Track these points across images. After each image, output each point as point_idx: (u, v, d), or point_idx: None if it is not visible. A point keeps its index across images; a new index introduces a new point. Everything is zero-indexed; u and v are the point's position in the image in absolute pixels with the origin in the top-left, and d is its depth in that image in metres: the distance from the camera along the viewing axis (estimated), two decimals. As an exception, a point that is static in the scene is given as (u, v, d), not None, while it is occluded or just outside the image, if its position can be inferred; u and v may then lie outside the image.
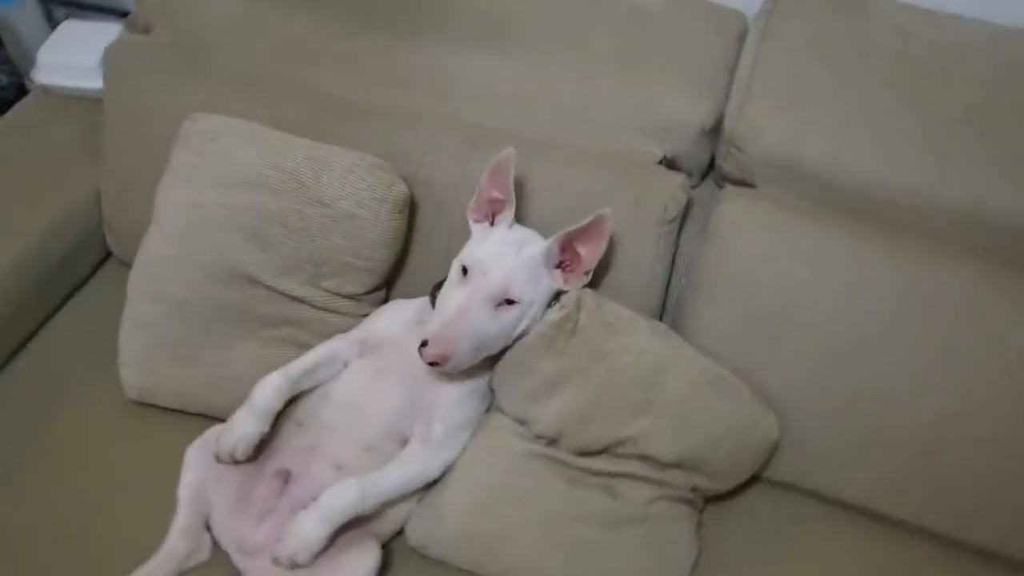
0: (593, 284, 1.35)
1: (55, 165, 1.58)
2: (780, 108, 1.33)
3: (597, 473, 1.31)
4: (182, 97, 1.47)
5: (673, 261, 1.41)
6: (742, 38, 1.46)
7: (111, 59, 1.52)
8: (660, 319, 1.43)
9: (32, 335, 1.53)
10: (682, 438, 1.28)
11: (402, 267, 1.46)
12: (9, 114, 1.66)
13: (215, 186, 1.38)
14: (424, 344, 1.22)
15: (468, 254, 1.30)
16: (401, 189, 1.37)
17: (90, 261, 1.58)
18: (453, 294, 1.27)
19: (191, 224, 1.40)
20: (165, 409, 1.44)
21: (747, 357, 1.35)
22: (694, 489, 1.34)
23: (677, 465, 1.30)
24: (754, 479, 1.44)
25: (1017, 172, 1.29)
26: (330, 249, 1.37)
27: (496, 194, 1.32)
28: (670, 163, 1.40)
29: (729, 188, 1.40)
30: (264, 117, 1.43)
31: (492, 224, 1.33)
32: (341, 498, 1.24)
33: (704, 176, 1.46)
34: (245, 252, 1.37)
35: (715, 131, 1.41)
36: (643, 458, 1.30)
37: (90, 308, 1.55)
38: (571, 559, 1.28)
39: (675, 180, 1.34)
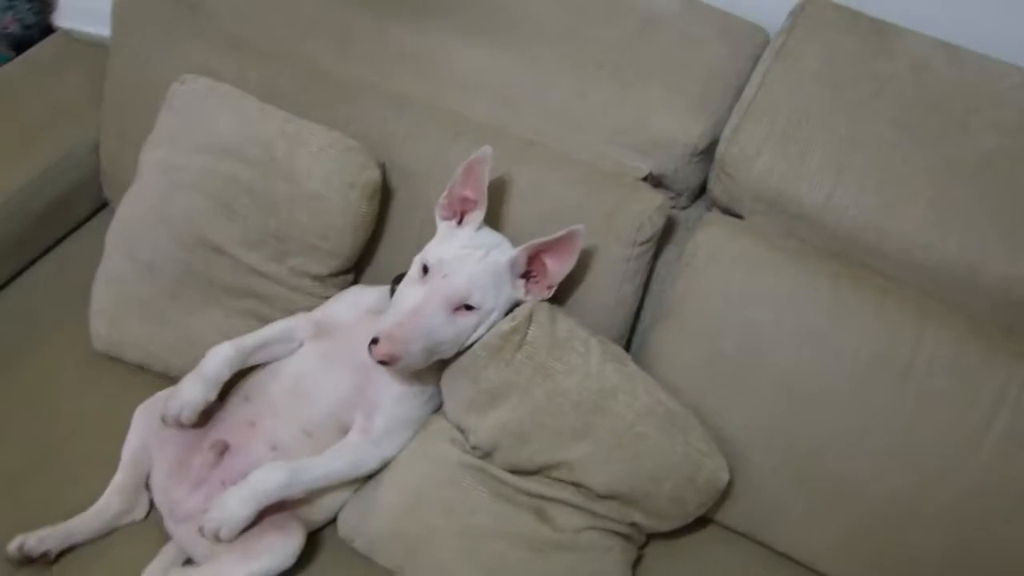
0: (559, 298, 1.31)
1: (62, 108, 1.61)
2: (776, 137, 1.26)
3: (528, 494, 1.27)
4: (181, 55, 1.47)
5: (647, 284, 1.35)
6: (758, 56, 1.38)
7: (120, 9, 1.53)
8: (628, 343, 1.38)
9: (19, 273, 1.57)
10: (620, 470, 1.23)
11: (373, 253, 1.44)
12: (27, 53, 1.70)
13: (192, 150, 1.38)
14: (375, 341, 1.19)
15: (431, 252, 1.27)
16: (372, 175, 1.35)
17: (86, 207, 1.61)
18: (410, 293, 1.24)
19: (166, 186, 1.40)
20: (129, 364, 1.46)
21: (707, 395, 1.29)
22: (633, 524, 1.29)
23: (612, 497, 1.25)
24: (706, 522, 1.39)
25: (1026, 238, 1.19)
26: (295, 227, 1.36)
27: (468, 193, 1.29)
28: (656, 181, 1.34)
29: (711, 215, 1.34)
30: (255, 85, 1.42)
31: (460, 223, 1.29)
32: (268, 480, 1.23)
33: (696, 198, 1.39)
34: (214, 220, 1.38)
35: (709, 152, 1.33)
36: (577, 485, 1.26)
37: (78, 254, 1.57)
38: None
39: (654, 200, 1.28)
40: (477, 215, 1.28)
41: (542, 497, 1.27)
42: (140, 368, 1.46)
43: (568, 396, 1.22)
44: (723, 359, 1.28)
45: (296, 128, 1.36)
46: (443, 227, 1.30)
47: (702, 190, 1.40)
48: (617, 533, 1.29)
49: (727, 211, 1.34)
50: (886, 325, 1.22)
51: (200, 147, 1.38)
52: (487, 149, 1.26)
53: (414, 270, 1.27)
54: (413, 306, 1.21)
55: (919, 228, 1.21)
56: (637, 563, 1.35)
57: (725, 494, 1.32)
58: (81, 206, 1.57)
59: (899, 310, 1.22)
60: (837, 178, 1.23)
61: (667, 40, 1.39)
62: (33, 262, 1.59)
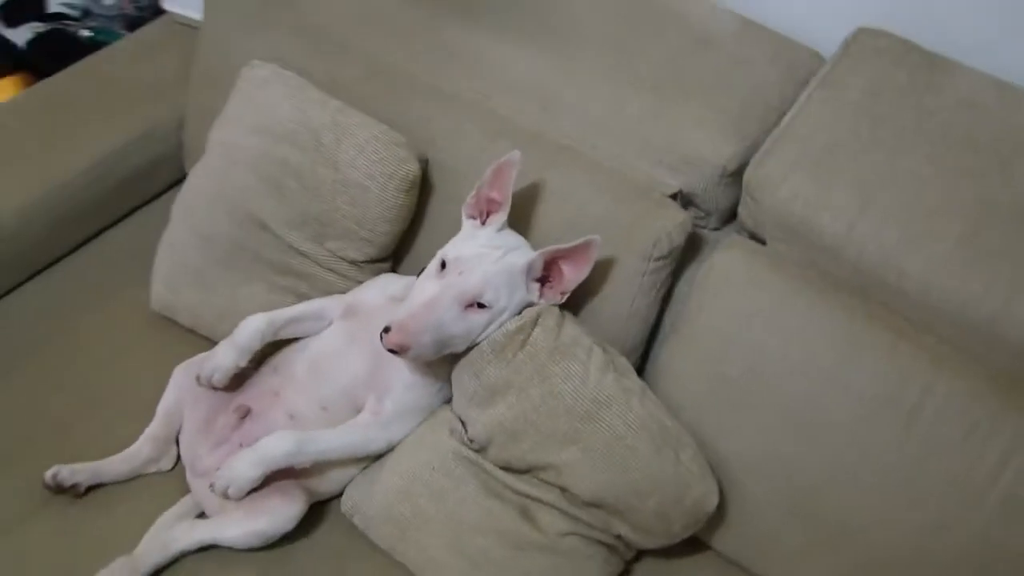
0: (574, 305, 1.34)
1: (156, 85, 1.76)
2: (805, 164, 1.25)
3: (516, 492, 1.31)
4: (259, 42, 1.58)
5: (667, 301, 1.36)
6: (807, 82, 1.36)
7: (212, -4, 1.66)
8: (644, 357, 1.38)
9: (98, 233, 1.72)
10: (605, 480, 1.25)
11: (410, 245, 1.50)
12: (135, 33, 1.87)
13: (251, 131, 1.49)
14: (387, 330, 1.25)
15: (451, 249, 1.32)
16: (411, 169, 1.41)
17: (166, 179, 1.74)
18: (426, 286, 1.29)
19: (226, 163, 1.52)
20: (180, 327, 1.58)
21: (708, 417, 1.30)
22: (619, 537, 1.30)
23: (597, 505, 1.27)
24: (703, 547, 1.38)
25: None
26: (336, 212, 1.44)
27: (494, 195, 1.34)
28: (687, 199, 1.35)
29: (733, 238, 1.33)
30: (319, 75, 1.51)
31: (484, 223, 1.34)
32: (277, 447, 1.31)
33: (728, 222, 1.39)
34: (263, 199, 1.47)
35: (740, 175, 1.33)
36: (563, 490, 1.28)
37: (154, 222, 1.68)
38: (472, 569, 1.29)
39: (676, 217, 1.29)
40: (500, 216, 1.32)
41: (529, 497, 1.30)
42: (190, 331, 1.57)
43: (562, 400, 1.25)
44: (727, 382, 1.28)
45: (346, 119, 1.44)
46: (467, 225, 1.35)
47: (734, 214, 1.40)
48: (601, 543, 1.30)
49: (752, 236, 1.33)
50: (897, 367, 1.19)
51: (258, 129, 1.48)
52: (516, 153, 1.30)
53: (433, 265, 1.32)
54: (427, 299, 1.26)
55: (941, 269, 1.17)
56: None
57: (719, 520, 1.32)
58: (161, 178, 1.70)
59: (912, 354, 1.19)
60: (862, 210, 1.21)
61: (716, 60, 1.39)
62: (113, 224, 1.74)
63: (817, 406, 1.23)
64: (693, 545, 1.39)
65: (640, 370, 1.37)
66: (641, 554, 1.39)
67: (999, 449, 1.14)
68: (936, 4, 1.34)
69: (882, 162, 1.23)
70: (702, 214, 1.38)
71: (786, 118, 1.31)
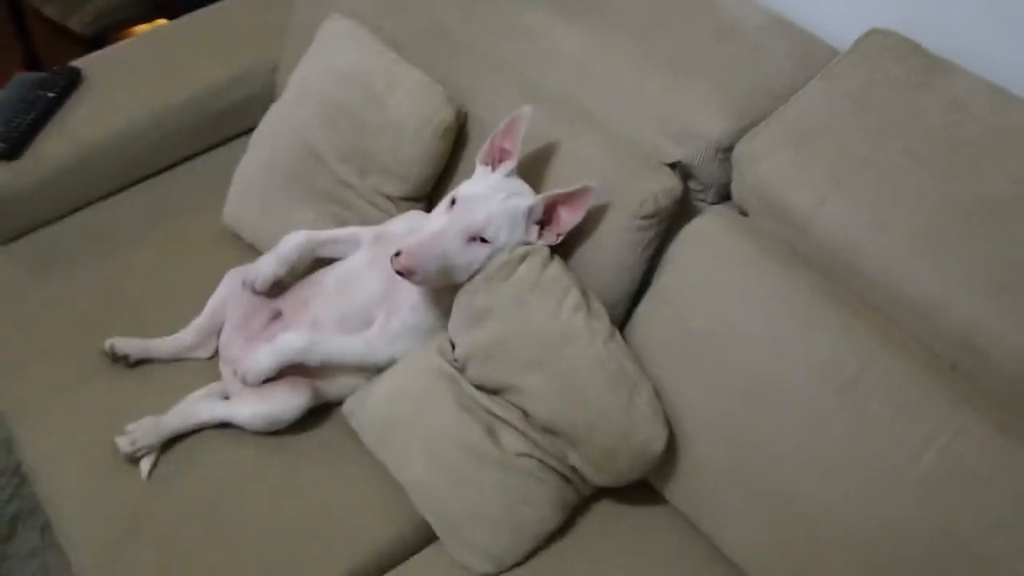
0: (566, 253, 1.47)
1: (260, 33, 2.01)
2: (785, 143, 1.34)
3: (486, 410, 1.44)
4: (346, 2, 1.79)
5: (655, 262, 1.47)
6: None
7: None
8: (629, 312, 1.49)
9: (194, 156, 1.99)
10: (559, 408, 1.37)
11: (445, 190, 1.66)
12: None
13: (319, 74, 1.71)
14: (397, 254, 1.42)
15: (462, 188, 1.48)
16: (445, 116, 1.59)
17: (256, 116, 1.93)
18: (436, 219, 1.46)
19: (296, 99, 1.74)
20: (243, 241, 1.81)
21: (670, 371, 1.40)
22: (574, 469, 1.42)
23: (552, 432, 1.39)
24: (660, 500, 1.48)
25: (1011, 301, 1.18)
26: (377, 149, 1.64)
27: (506, 144, 1.49)
28: (686, 171, 1.46)
29: (716, 207, 1.43)
30: (386, 33, 1.72)
31: (494, 170, 1.49)
32: (291, 342, 1.51)
33: (727, 198, 1.48)
34: (319, 131, 1.69)
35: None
36: (525, 413, 1.41)
37: (240, 152, 1.88)
38: (436, 471, 1.44)
39: (666, 182, 1.40)
40: (509, 164, 1.47)
41: (495, 416, 1.44)
42: (250, 246, 1.79)
43: (533, 329, 1.38)
44: (689, 340, 1.38)
45: (398, 69, 1.64)
46: (479, 170, 1.51)
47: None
48: (555, 470, 1.42)
49: (741, 210, 1.42)
50: (842, 341, 1.26)
51: (325, 72, 1.70)
52: (527, 108, 1.45)
53: (444, 202, 1.48)
54: (435, 231, 1.43)
55: (896, 255, 1.24)
56: (580, 513, 1.48)
57: (672, 470, 1.42)
58: (254, 114, 1.91)
59: (859, 331, 1.25)
60: (832, 192, 1.28)
61: (735, 47, 1.50)
62: (208, 150, 2.00)
63: (764, 371, 1.31)
64: (651, 496, 1.49)
65: (623, 324, 1.48)
66: (600, 496, 1.50)
67: (924, 430, 1.19)
68: (948, 11, 1.40)
69: (861, 150, 1.30)
70: (700, 187, 1.48)
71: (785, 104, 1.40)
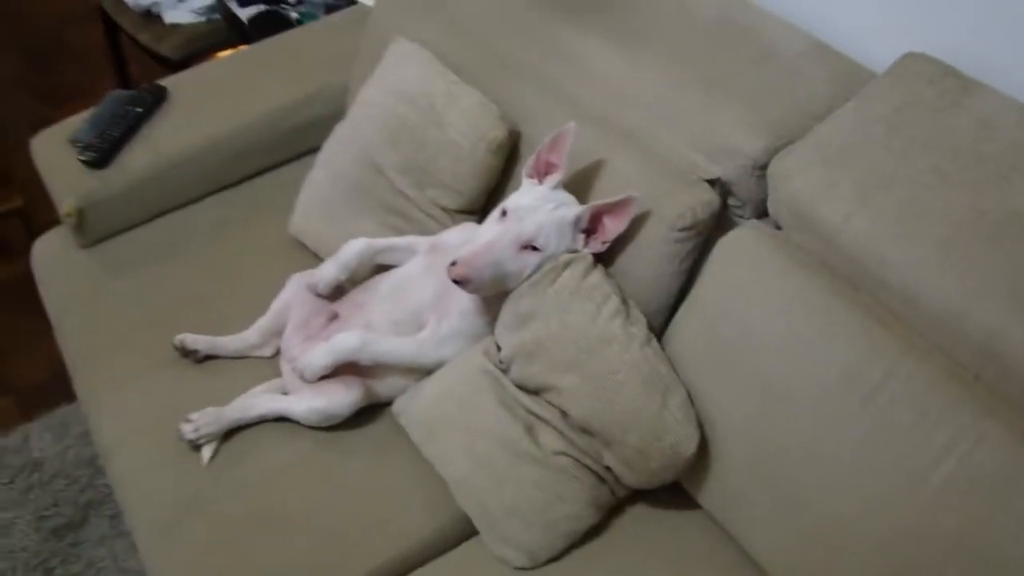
0: (608, 263, 1.55)
1: (334, 57, 2.15)
2: (816, 161, 1.40)
3: (526, 409, 1.52)
4: (410, 27, 1.92)
5: (694, 275, 1.53)
6: (855, 97, 1.51)
7: (383, -15, 2.03)
8: (667, 322, 1.56)
9: (272, 168, 2.14)
10: (594, 408, 1.44)
11: (496, 204, 1.74)
12: (330, 16, 2.28)
13: (385, 93, 1.83)
14: (454, 263, 1.52)
15: (511, 200, 1.58)
16: (499, 134, 1.69)
17: (326, 134, 2.07)
18: (489, 229, 1.56)
19: (362, 116, 1.87)
20: (308, 250, 1.93)
21: (703, 376, 1.46)
22: (608, 469, 1.49)
23: (588, 432, 1.46)
24: (694, 505, 1.53)
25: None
26: (436, 164, 1.74)
27: (552, 159, 1.58)
28: (725, 189, 1.52)
29: (751, 221, 1.49)
30: (448, 56, 1.83)
31: (541, 183, 1.58)
32: (346, 342, 1.62)
33: (764, 215, 1.54)
34: (381, 145, 1.80)
35: (771, 169, 1.50)
36: (563, 413, 1.48)
37: (310, 168, 2.06)
38: (476, 467, 1.52)
39: (704, 196, 1.48)
40: (556, 177, 1.57)
41: (534, 415, 1.52)
42: (314, 254, 1.91)
43: (573, 332, 1.46)
44: (719, 345, 1.44)
45: (457, 89, 1.75)
46: (526, 183, 1.60)
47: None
48: (590, 469, 1.49)
49: (775, 224, 1.49)
50: (866, 349, 1.30)
51: (390, 91, 1.82)
52: (572, 124, 1.54)
53: (495, 213, 1.58)
54: (488, 240, 1.52)
55: (921, 266, 1.28)
56: (615, 514, 1.54)
57: (704, 474, 1.47)
58: (325, 132, 2.03)
59: (883, 339, 1.30)
60: (859, 206, 1.34)
61: (774, 71, 1.57)
62: (281, 164, 2.14)
63: (789, 376, 1.36)
64: (684, 500, 1.54)
65: (661, 334, 1.54)
66: (634, 499, 1.56)
67: (946, 437, 1.23)
68: (982, 35, 1.46)
69: (888, 166, 1.35)
70: (738, 203, 1.54)
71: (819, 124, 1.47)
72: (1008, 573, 1.17)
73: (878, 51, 1.55)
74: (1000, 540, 1.18)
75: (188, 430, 1.62)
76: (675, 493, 1.54)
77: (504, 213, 1.55)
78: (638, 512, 1.56)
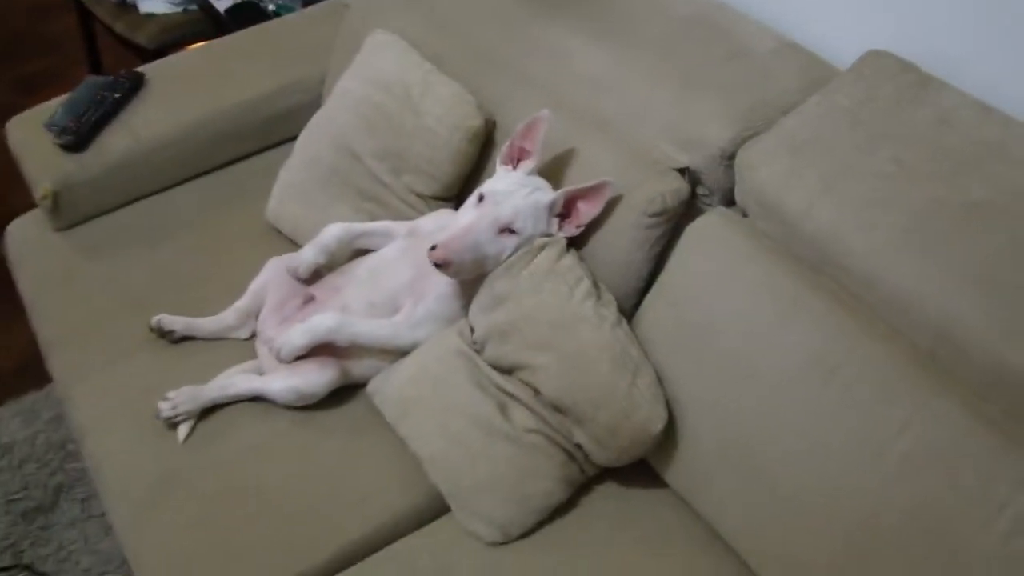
0: (580, 247, 1.60)
1: (310, 48, 2.19)
2: (782, 151, 1.46)
3: (499, 388, 1.57)
4: (388, 19, 1.98)
5: (662, 261, 1.59)
6: (819, 92, 1.58)
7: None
8: (636, 307, 1.62)
9: (246, 157, 2.17)
10: (566, 386, 1.50)
11: (471, 191, 1.80)
12: (307, 8, 2.33)
13: (362, 81, 1.88)
14: (433, 248, 1.56)
15: (487, 185, 1.63)
16: (474, 123, 1.74)
17: (303, 124, 2.11)
18: (466, 214, 1.61)
19: (338, 103, 1.91)
20: (283, 236, 1.96)
21: (671, 357, 1.52)
22: (579, 447, 1.54)
23: (559, 410, 1.52)
24: (662, 484, 1.59)
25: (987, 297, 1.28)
26: (412, 150, 1.79)
27: (526, 145, 1.63)
28: (694, 177, 1.58)
29: (720, 208, 1.56)
30: (426, 47, 1.88)
31: (515, 169, 1.64)
32: (322, 322, 1.65)
33: (732, 203, 1.60)
34: (358, 132, 1.85)
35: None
36: (535, 392, 1.54)
37: (287, 156, 2.07)
38: (449, 445, 1.56)
39: (673, 183, 1.54)
40: (530, 163, 1.62)
41: (507, 393, 1.56)
42: (290, 240, 1.95)
43: (545, 312, 1.51)
44: (687, 328, 1.50)
45: (434, 79, 1.80)
46: (501, 170, 1.66)
47: (735, 196, 1.62)
48: (561, 447, 1.54)
49: (742, 212, 1.55)
50: (828, 330, 1.37)
51: (367, 80, 1.86)
52: (545, 111, 1.60)
53: (472, 198, 1.63)
54: (467, 224, 1.57)
55: (881, 251, 1.35)
56: (585, 492, 1.59)
57: (672, 453, 1.53)
58: (302, 121, 2.06)
59: (844, 321, 1.37)
60: (822, 194, 1.40)
61: (745, 67, 1.63)
62: (257, 152, 2.18)
63: (753, 357, 1.42)
64: (653, 480, 1.60)
65: (631, 318, 1.60)
66: (604, 478, 1.61)
67: (902, 414, 1.29)
68: (942, 33, 1.54)
69: (851, 157, 1.42)
70: (707, 192, 1.60)
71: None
72: (957, 544, 1.23)
73: (846, 50, 1.61)
74: (951, 514, 1.25)
75: (165, 408, 1.64)
76: (643, 472, 1.60)
77: (481, 198, 1.60)
78: (607, 490, 1.61)
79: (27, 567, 2.03)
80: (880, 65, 1.52)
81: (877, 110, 1.46)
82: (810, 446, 1.37)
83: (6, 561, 2.04)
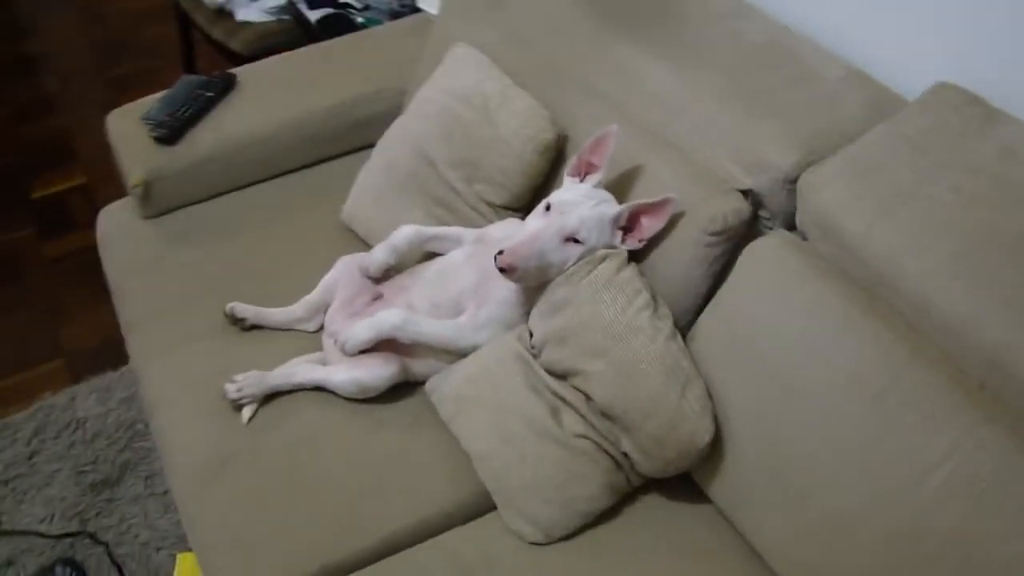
0: (641, 261, 1.65)
1: (396, 59, 2.29)
2: (843, 176, 1.49)
3: (553, 392, 1.63)
4: (471, 34, 2.05)
5: (721, 278, 1.63)
6: (887, 121, 1.61)
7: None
8: (691, 323, 1.65)
9: (325, 160, 2.28)
10: (617, 394, 1.54)
11: (539, 203, 1.86)
12: (394, 22, 2.43)
13: (442, 91, 1.96)
14: (500, 253, 1.62)
15: (555, 196, 1.69)
16: (546, 136, 1.80)
17: (383, 131, 2.22)
18: (534, 222, 1.67)
19: (418, 112, 2.00)
20: (357, 236, 2.05)
21: (721, 371, 1.55)
22: (625, 456, 1.58)
23: (609, 417, 1.56)
24: (705, 500, 1.62)
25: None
26: (486, 160, 1.87)
27: (593, 159, 1.69)
28: (756, 199, 1.62)
29: (780, 230, 1.59)
30: (505, 62, 1.95)
31: (582, 181, 1.69)
32: (388, 319, 1.73)
33: (793, 228, 1.63)
34: (435, 140, 1.93)
35: (801, 183, 1.59)
36: (587, 398, 1.58)
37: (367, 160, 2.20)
38: (500, 444, 1.62)
39: (735, 203, 1.58)
40: (597, 176, 1.68)
41: (560, 398, 1.62)
42: (363, 241, 2.04)
43: (602, 320, 1.56)
44: (738, 344, 1.53)
45: (512, 92, 1.87)
46: (568, 181, 1.72)
47: (800, 221, 1.65)
48: (608, 454, 1.58)
49: (802, 236, 1.58)
50: (877, 353, 1.39)
51: (447, 90, 1.95)
52: (613, 127, 1.66)
53: (540, 207, 1.68)
54: (534, 231, 1.63)
55: (934, 276, 1.37)
56: (628, 502, 1.64)
57: (716, 467, 1.56)
58: (382, 128, 2.15)
59: (894, 344, 1.38)
60: (880, 218, 1.43)
61: (813, 93, 1.67)
62: (339, 156, 2.28)
63: (802, 376, 1.45)
64: (697, 495, 1.63)
65: (685, 334, 1.63)
66: (649, 489, 1.65)
67: (947, 441, 1.30)
68: (1007, 66, 1.56)
69: (911, 184, 1.44)
70: (769, 216, 1.64)
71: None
72: (999, 569, 1.24)
73: (915, 81, 1.64)
74: (989, 543, 1.26)
75: (231, 389, 1.73)
76: (687, 487, 1.64)
77: (548, 207, 1.66)
78: (651, 501, 1.65)
79: (91, 535, 2.14)
80: (947, 97, 1.54)
81: (941, 140, 1.49)
82: (851, 468, 1.39)
83: (73, 527, 2.16)
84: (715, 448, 1.54)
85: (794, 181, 1.58)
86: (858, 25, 1.79)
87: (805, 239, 1.58)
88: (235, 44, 2.78)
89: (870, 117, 1.61)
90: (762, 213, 1.65)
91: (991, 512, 1.26)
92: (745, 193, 1.62)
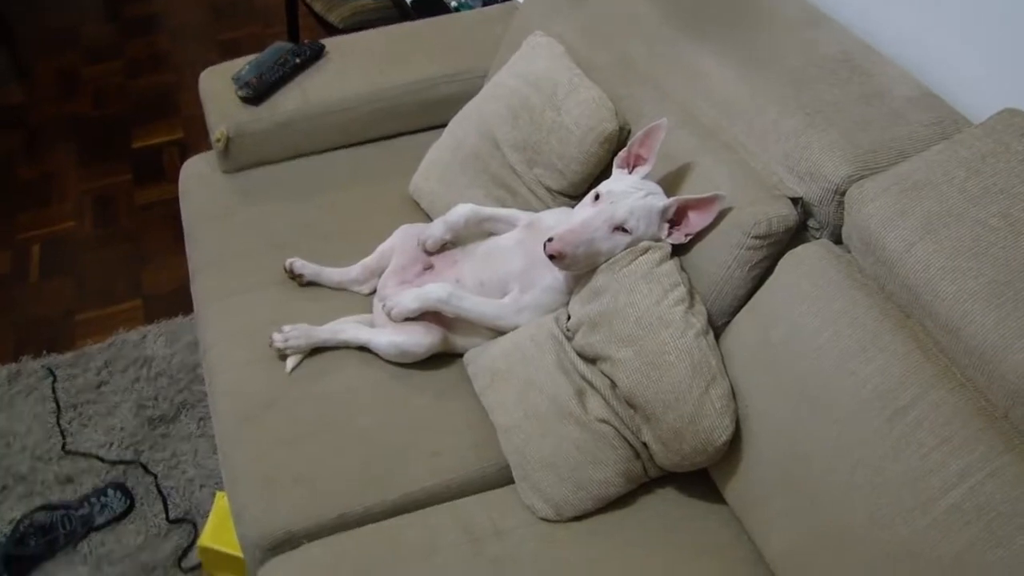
0: (683, 254, 1.68)
1: (478, 43, 2.37)
2: (894, 190, 1.48)
3: (581, 375, 1.66)
4: (550, 24, 2.11)
5: (762, 281, 1.64)
6: (949, 141, 1.59)
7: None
8: (727, 324, 1.67)
9: (400, 134, 2.36)
10: (641, 382, 1.57)
11: (596, 192, 1.91)
12: (483, 8, 2.49)
13: (514, 75, 2.03)
14: (550, 240, 1.67)
15: (604, 185, 1.72)
16: (608, 127, 1.84)
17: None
18: (583, 211, 1.71)
19: (490, 94, 2.07)
20: (420, 209, 2.13)
21: (749, 373, 1.57)
22: (644, 445, 1.60)
23: (632, 405, 1.59)
24: (720, 499, 1.64)
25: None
26: (547, 145, 1.91)
27: (642, 152, 1.72)
28: (806, 207, 1.63)
29: (823, 240, 1.59)
30: (578, 53, 2.00)
31: (630, 173, 1.73)
32: (434, 291, 1.80)
33: (840, 241, 1.63)
34: (502, 122, 1.98)
35: (852, 196, 1.59)
36: (613, 384, 1.62)
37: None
38: (524, 418, 1.68)
39: (782, 209, 1.58)
40: (645, 168, 1.71)
41: (587, 381, 1.66)
42: (425, 214, 2.11)
43: (635, 311, 1.59)
44: (767, 348, 1.54)
45: (579, 81, 1.91)
46: (617, 172, 1.75)
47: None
48: (628, 442, 1.61)
49: (846, 248, 1.58)
50: (903, 370, 1.38)
51: (519, 75, 2.00)
52: (663, 120, 1.69)
53: (589, 197, 1.72)
54: (583, 219, 1.67)
55: (969, 299, 1.35)
56: (643, 492, 1.67)
57: (733, 469, 1.58)
58: (458, 108, 2.22)
59: (921, 363, 1.38)
60: (923, 236, 1.42)
61: (876, 110, 1.66)
62: (415, 132, 2.36)
63: (824, 386, 1.45)
64: (712, 493, 1.65)
65: (719, 334, 1.65)
66: (665, 483, 1.68)
67: (961, 465, 1.29)
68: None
69: (959, 205, 1.43)
70: (817, 226, 1.64)
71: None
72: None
73: (987, 106, 1.62)
74: (997, 567, 1.25)
75: (279, 339, 1.82)
76: (705, 485, 1.66)
77: (597, 197, 1.70)
78: (667, 494, 1.68)
79: (143, 465, 2.27)
80: (1012, 123, 1.52)
81: (998, 165, 1.47)
82: (864, 481, 1.39)
83: (128, 456, 2.30)
84: (733, 448, 1.56)
85: (844, 193, 1.59)
86: (935, 42, 1.77)
87: (849, 252, 1.58)
88: (333, 17, 2.90)
89: (931, 137, 1.60)
90: (811, 223, 1.65)
91: (998, 542, 1.25)
92: (795, 201, 1.63)
